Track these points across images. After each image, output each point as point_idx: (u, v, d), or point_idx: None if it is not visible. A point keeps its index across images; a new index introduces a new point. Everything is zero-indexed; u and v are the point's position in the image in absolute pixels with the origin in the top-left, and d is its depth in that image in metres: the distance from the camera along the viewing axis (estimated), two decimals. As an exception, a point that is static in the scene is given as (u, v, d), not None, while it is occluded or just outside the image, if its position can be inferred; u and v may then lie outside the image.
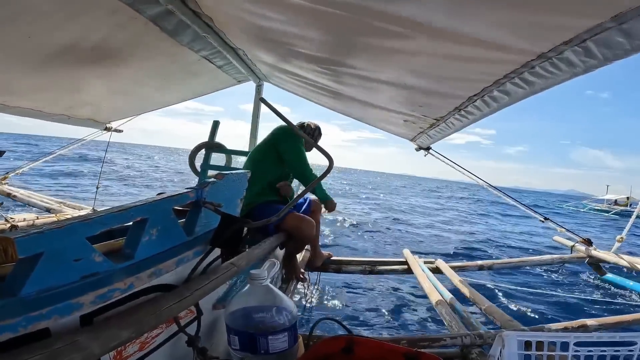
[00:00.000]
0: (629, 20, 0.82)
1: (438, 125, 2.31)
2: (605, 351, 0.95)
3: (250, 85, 3.36)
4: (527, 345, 0.98)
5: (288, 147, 2.32)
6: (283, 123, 1.86)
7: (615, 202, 30.08)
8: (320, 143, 2.49)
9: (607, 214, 25.99)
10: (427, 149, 3.10)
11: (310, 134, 2.56)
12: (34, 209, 4.24)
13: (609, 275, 3.34)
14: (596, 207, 29.94)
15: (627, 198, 29.88)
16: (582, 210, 29.26)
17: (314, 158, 2.35)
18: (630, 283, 3.19)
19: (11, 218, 3.06)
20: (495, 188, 3.34)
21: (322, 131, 2.67)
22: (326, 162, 1.24)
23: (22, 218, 3.19)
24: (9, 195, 4.23)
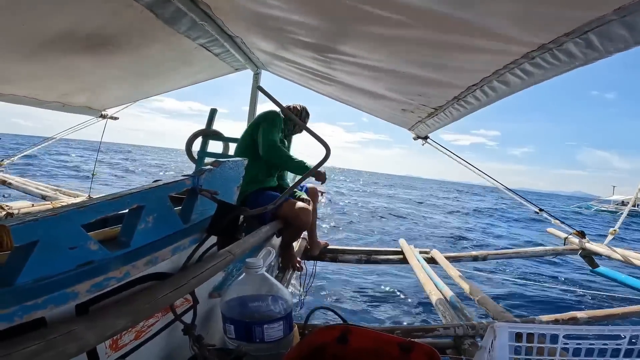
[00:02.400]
0: (632, 13, 0.82)
1: (436, 115, 2.30)
2: (593, 344, 0.97)
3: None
4: (518, 336, 1.00)
5: (262, 131, 2.24)
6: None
7: (622, 203, 29.97)
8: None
9: (614, 214, 25.81)
10: (425, 138, 3.10)
11: (297, 117, 2.47)
12: (30, 196, 4.21)
13: (601, 268, 3.36)
14: (602, 208, 29.72)
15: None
16: (586, 210, 28.99)
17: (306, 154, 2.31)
18: (621, 276, 3.21)
19: (7, 206, 3.02)
20: (488, 176, 3.32)
21: (310, 114, 2.59)
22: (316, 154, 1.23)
23: (17, 206, 3.16)
24: (4, 182, 4.19)
